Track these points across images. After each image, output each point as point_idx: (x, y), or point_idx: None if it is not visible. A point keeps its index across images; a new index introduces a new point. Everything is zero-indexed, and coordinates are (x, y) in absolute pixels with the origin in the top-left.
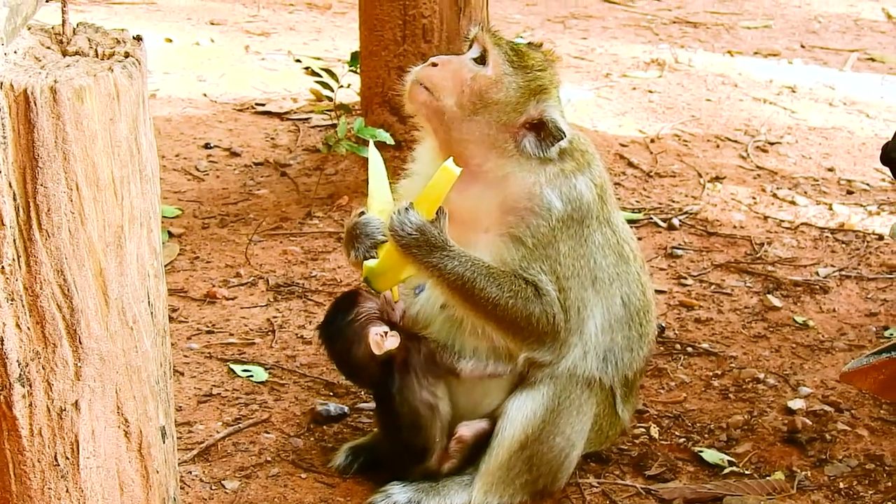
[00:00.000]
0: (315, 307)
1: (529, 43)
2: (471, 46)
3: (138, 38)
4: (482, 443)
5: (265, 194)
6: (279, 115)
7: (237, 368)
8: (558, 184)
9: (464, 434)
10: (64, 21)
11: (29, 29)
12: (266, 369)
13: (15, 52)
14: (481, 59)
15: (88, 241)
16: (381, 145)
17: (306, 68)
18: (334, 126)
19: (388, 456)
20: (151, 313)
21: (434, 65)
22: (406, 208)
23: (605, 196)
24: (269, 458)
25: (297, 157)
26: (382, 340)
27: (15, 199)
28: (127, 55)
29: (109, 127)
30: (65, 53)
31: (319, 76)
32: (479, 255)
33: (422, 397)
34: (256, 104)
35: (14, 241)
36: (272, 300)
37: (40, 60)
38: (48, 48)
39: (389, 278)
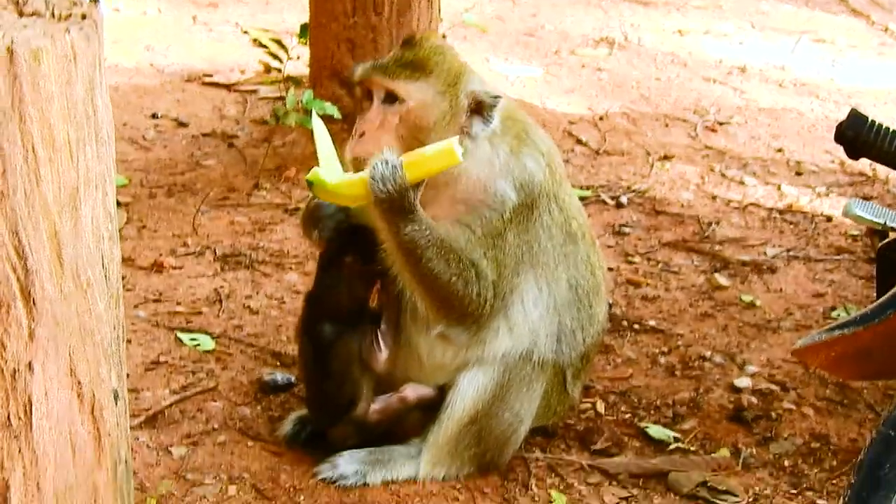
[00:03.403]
0: (262, 277)
1: (404, 42)
2: (367, 92)
3: (94, 0)
4: (423, 409)
5: (213, 165)
6: (227, 87)
7: (184, 337)
8: (510, 168)
9: (408, 395)
10: None
11: None
12: (213, 338)
13: None
14: (391, 98)
15: (43, 203)
16: (328, 118)
17: (254, 40)
18: (282, 98)
19: (312, 405)
20: (105, 276)
21: (362, 135)
22: (395, 165)
23: (552, 164)
24: (215, 426)
25: (244, 128)
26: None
27: None
28: (84, 17)
29: (66, 89)
30: (21, 14)
31: (268, 48)
32: None
33: (355, 358)
34: (204, 75)
35: None
36: (219, 270)
37: None
38: (4, 8)
39: (337, 199)
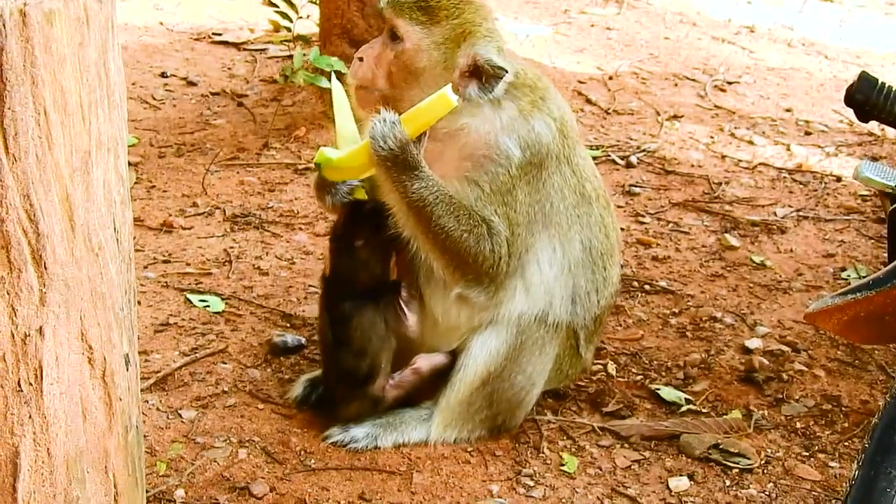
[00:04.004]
0: (272, 238)
1: None
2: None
3: None
4: (437, 376)
5: (222, 124)
6: (236, 45)
7: (194, 298)
8: (516, 128)
9: (422, 366)
10: None
11: None
12: (223, 299)
13: None
14: (395, 35)
15: (55, 166)
16: (339, 76)
17: None
18: (292, 57)
19: (329, 379)
20: (117, 240)
21: (360, 60)
22: (393, 121)
23: (565, 130)
24: (225, 389)
25: (253, 87)
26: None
27: None
28: None
29: (78, 51)
30: None
31: (277, 6)
32: None
33: (377, 330)
34: (213, 33)
35: None
36: (229, 230)
37: None
38: None
39: (344, 174)
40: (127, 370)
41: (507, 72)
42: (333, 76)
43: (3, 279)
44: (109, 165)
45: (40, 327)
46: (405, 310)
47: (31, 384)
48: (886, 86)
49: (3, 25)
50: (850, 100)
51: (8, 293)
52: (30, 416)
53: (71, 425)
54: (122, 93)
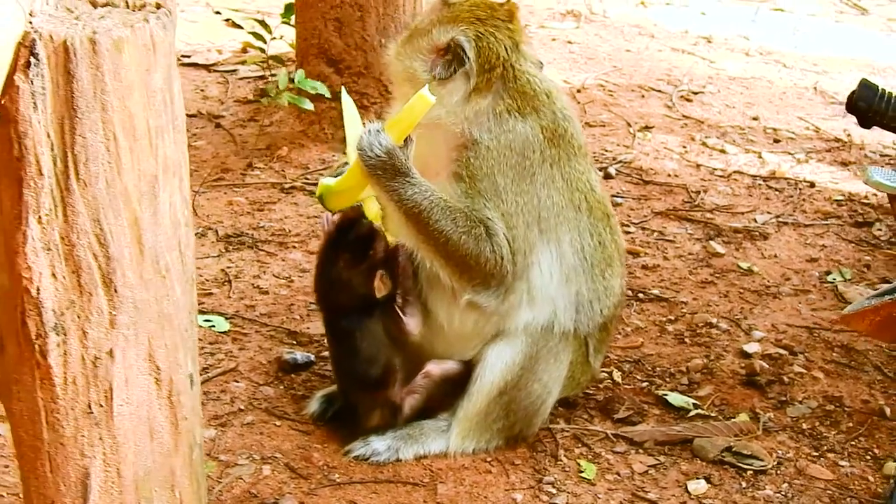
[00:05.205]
0: (267, 257)
1: None
2: None
3: None
4: (451, 385)
5: (203, 146)
6: (206, 67)
7: (198, 318)
8: (483, 120)
9: (432, 370)
10: None
11: None
12: (227, 319)
13: (47, 4)
14: None
15: (124, 191)
16: (318, 97)
17: (227, 20)
18: (263, 77)
19: (347, 392)
20: (182, 261)
21: None
22: (377, 130)
23: (555, 139)
24: (241, 407)
25: (228, 108)
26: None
27: (53, 150)
28: (158, 6)
29: (146, 78)
30: (94, 5)
31: (244, 28)
32: None
33: (383, 338)
34: (182, 55)
35: (52, 191)
36: (224, 251)
37: (73, 12)
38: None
39: (345, 198)
40: (191, 389)
41: (468, 58)
42: (343, 89)
43: (73, 303)
44: (174, 188)
45: (110, 350)
46: (403, 313)
47: (101, 406)
48: (887, 92)
49: (74, 54)
50: (852, 107)
51: (78, 316)
52: (100, 438)
53: (139, 445)
54: (183, 117)
